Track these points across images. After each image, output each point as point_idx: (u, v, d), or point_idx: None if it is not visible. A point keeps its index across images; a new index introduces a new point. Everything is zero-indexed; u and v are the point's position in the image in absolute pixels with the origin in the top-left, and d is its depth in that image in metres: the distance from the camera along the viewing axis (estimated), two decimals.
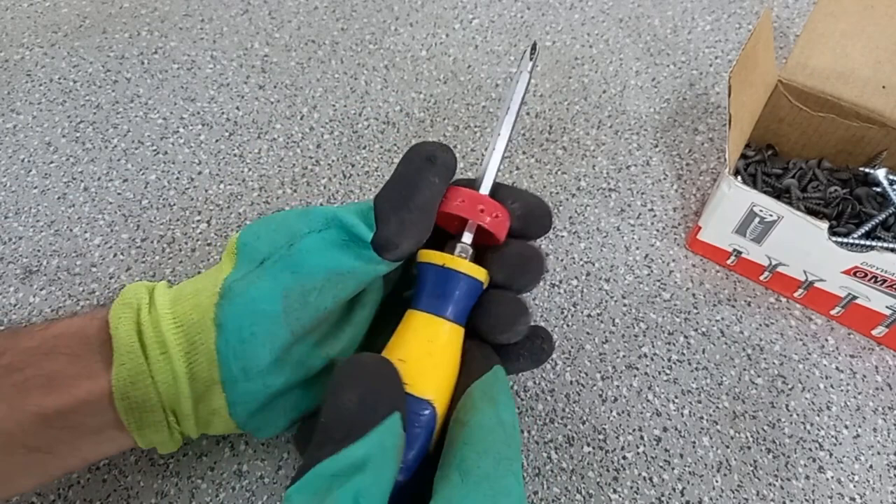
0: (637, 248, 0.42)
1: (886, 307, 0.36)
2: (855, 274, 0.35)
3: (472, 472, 0.22)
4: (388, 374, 0.24)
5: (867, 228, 0.39)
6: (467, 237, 0.28)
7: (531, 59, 0.30)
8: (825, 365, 0.37)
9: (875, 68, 0.40)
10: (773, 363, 0.37)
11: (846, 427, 0.35)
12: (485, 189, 0.29)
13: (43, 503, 0.32)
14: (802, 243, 0.36)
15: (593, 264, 0.41)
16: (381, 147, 0.46)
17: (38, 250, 0.40)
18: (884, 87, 0.40)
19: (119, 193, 0.43)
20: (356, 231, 0.26)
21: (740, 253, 0.39)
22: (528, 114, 0.49)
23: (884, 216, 0.39)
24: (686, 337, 0.38)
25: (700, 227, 0.40)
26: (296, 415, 0.29)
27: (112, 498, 0.32)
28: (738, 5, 0.58)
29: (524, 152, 0.46)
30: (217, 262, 0.40)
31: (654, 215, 0.43)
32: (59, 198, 0.43)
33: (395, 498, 0.23)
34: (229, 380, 0.26)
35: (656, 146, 0.47)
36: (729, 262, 0.40)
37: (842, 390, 0.36)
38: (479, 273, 0.28)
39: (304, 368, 0.28)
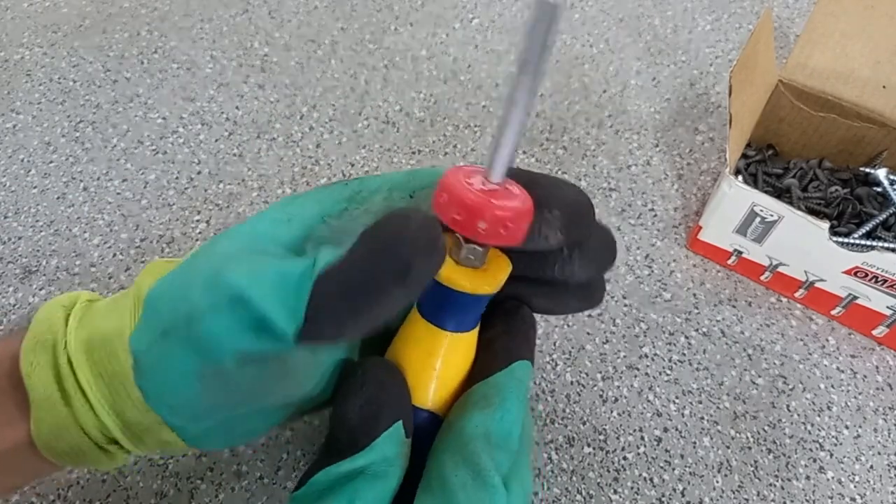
0: (638, 248, 0.42)
1: (887, 307, 0.36)
2: (856, 274, 0.35)
3: (449, 482, 0.21)
4: (393, 382, 0.23)
5: (868, 228, 0.39)
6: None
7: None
8: (826, 365, 0.37)
9: (875, 68, 0.40)
10: (774, 363, 0.37)
11: (847, 427, 0.35)
12: (496, 177, 0.21)
13: (43, 503, 0.32)
14: (803, 243, 0.35)
15: None
16: (381, 147, 0.46)
17: (38, 250, 0.40)
18: (884, 86, 0.40)
19: (118, 193, 0.43)
20: (271, 321, 0.20)
21: (741, 253, 0.39)
22: (527, 114, 0.48)
23: (884, 216, 0.39)
24: (687, 337, 0.38)
25: (701, 227, 0.40)
26: (275, 421, 0.26)
27: (112, 498, 0.32)
28: (739, 5, 0.57)
29: (524, 152, 0.46)
30: None
31: (655, 215, 0.43)
32: (58, 197, 0.43)
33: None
34: (174, 423, 0.23)
35: (657, 146, 0.47)
36: (730, 262, 0.40)
37: (842, 390, 0.36)
38: (482, 288, 0.22)
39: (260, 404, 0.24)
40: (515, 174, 0.23)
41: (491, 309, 0.25)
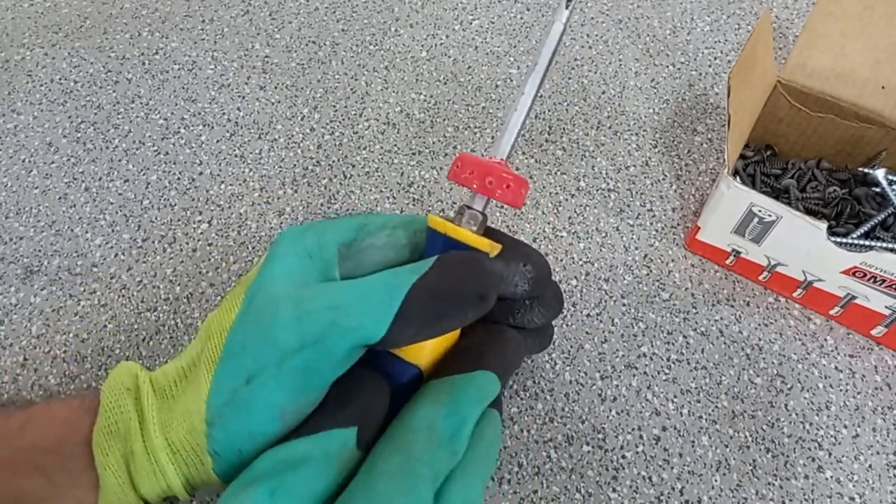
0: (636, 249, 0.42)
1: (886, 307, 0.36)
2: (854, 274, 0.35)
3: (378, 466, 0.22)
4: (378, 396, 0.24)
5: (866, 228, 0.39)
6: (478, 204, 0.27)
7: (567, 8, 0.28)
8: (824, 365, 0.37)
9: (874, 69, 0.40)
10: (772, 363, 0.37)
11: (845, 427, 0.35)
12: (501, 153, 0.27)
13: None
14: (801, 243, 0.36)
15: (592, 264, 0.41)
16: (382, 148, 0.46)
17: (39, 250, 0.41)
18: (883, 87, 0.40)
19: (120, 194, 0.43)
20: (362, 336, 0.23)
21: (739, 253, 0.39)
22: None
23: (883, 216, 0.39)
24: (685, 336, 0.38)
25: (699, 228, 0.40)
26: None
27: None
28: (738, 6, 0.58)
29: (524, 153, 0.46)
30: (215, 263, 0.40)
31: (654, 215, 0.43)
32: (60, 198, 0.43)
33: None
34: (232, 481, 0.24)
35: (655, 147, 0.47)
36: (728, 262, 0.40)
37: (841, 390, 0.37)
38: (483, 245, 0.26)
39: None
40: (494, 232, 0.28)
41: (478, 324, 0.27)
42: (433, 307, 0.23)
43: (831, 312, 0.39)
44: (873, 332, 0.38)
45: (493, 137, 0.47)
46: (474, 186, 0.26)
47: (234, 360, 0.23)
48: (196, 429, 0.24)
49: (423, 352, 0.26)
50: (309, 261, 0.25)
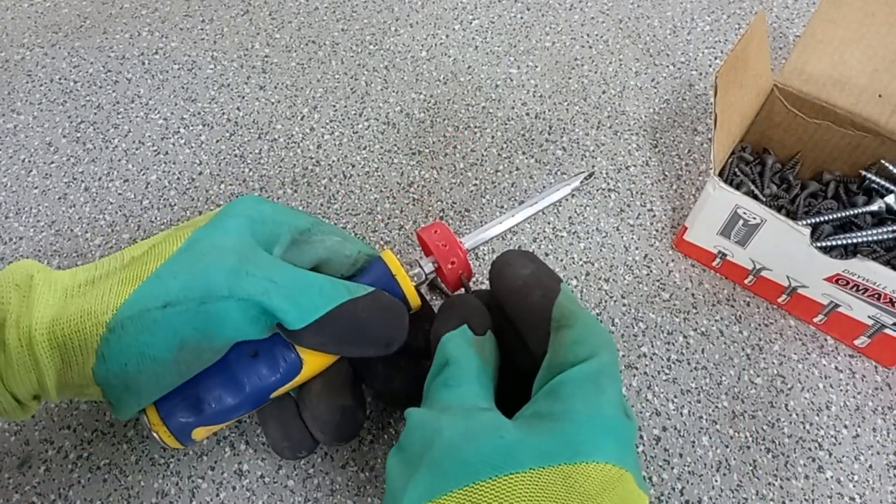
0: (636, 248, 0.42)
1: (868, 317, 0.35)
2: (837, 282, 0.35)
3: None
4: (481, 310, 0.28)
5: (846, 214, 0.39)
6: (429, 267, 0.30)
7: (581, 182, 0.34)
8: (824, 364, 0.37)
9: (872, 76, 0.40)
10: (773, 363, 0.37)
11: (845, 427, 0.35)
12: (469, 244, 0.31)
13: (43, 503, 0.32)
14: (785, 248, 0.35)
15: (593, 264, 0.41)
16: (382, 147, 0.46)
17: (39, 250, 0.41)
18: (880, 95, 0.40)
19: (120, 194, 0.43)
20: (282, 318, 0.25)
21: (725, 255, 0.39)
22: (527, 114, 0.49)
23: (858, 211, 0.39)
24: (685, 336, 0.38)
25: (686, 228, 0.40)
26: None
27: (113, 497, 0.32)
28: (738, 6, 0.58)
29: (524, 153, 0.46)
30: None
31: (654, 215, 0.43)
32: (59, 198, 0.43)
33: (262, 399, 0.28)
34: (107, 385, 0.25)
35: (656, 147, 0.47)
36: (714, 264, 0.40)
37: (841, 390, 0.37)
38: (414, 299, 0.29)
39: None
40: (421, 295, 0.31)
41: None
42: (349, 330, 0.26)
43: (815, 320, 0.38)
44: (857, 343, 0.37)
45: (492, 137, 0.47)
46: (436, 255, 0.30)
47: (160, 284, 0.25)
48: (86, 330, 0.24)
49: (314, 354, 0.28)
50: (261, 226, 0.27)
